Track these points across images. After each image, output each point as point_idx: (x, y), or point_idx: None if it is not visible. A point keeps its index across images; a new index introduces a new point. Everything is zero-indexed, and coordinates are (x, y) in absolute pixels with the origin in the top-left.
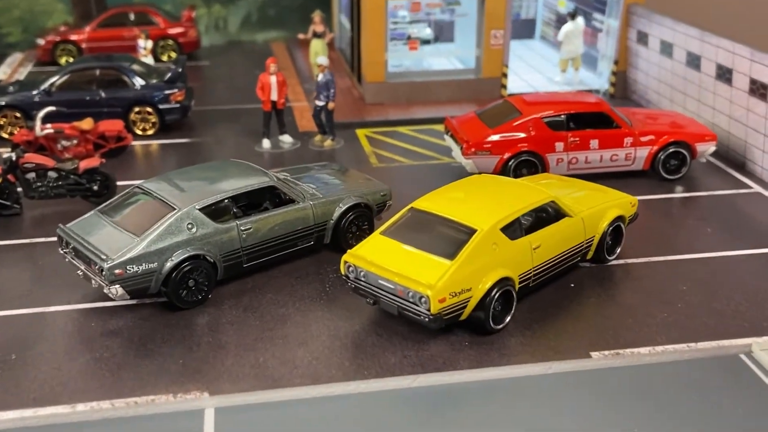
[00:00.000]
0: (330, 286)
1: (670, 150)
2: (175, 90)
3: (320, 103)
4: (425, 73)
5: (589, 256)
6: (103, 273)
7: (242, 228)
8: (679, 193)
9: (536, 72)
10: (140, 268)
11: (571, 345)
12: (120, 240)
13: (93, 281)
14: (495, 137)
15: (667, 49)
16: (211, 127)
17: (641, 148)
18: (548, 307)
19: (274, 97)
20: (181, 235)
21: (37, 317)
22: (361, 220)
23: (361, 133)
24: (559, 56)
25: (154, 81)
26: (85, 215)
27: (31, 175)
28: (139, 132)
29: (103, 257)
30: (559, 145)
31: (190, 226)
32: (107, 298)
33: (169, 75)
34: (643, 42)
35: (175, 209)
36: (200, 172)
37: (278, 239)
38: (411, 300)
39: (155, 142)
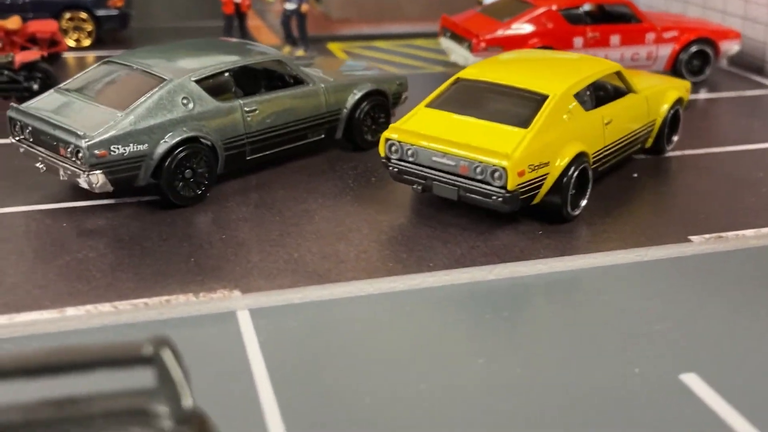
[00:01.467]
0: (353, 182)
1: (693, 49)
2: None
3: (291, 6)
4: None
5: (648, 144)
6: (80, 155)
7: (246, 109)
8: (704, 94)
9: None
10: (127, 149)
11: (661, 231)
12: (99, 115)
13: (62, 171)
14: (507, 31)
15: None
16: (156, 41)
17: (664, 45)
18: (619, 196)
19: None
20: (175, 111)
21: None
22: (378, 111)
23: (335, 47)
24: None
25: None
26: (42, 95)
27: None
28: (72, 43)
29: (80, 134)
30: (578, 41)
31: (185, 101)
32: (77, 197)
33: None
34: None
35: (165, 80)
36: (187, 47)
37: (287, 127)
38: (479, 177)
39: (92, 54)
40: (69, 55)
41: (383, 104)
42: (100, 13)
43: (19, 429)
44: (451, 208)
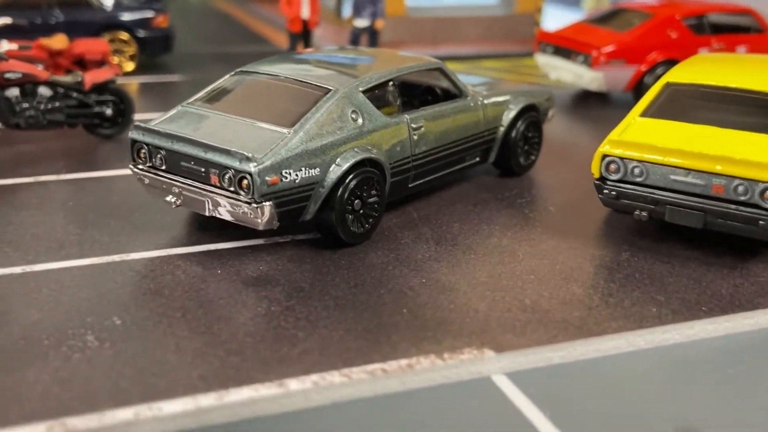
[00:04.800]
0: (530, 212)
1: None
2: (156, 12)
3: (363, 24)
4: (452, 8)
5: None
6: (245, 183)
7: (413, 125)
8: None
9: (567, 15)
10: (299, 174)
11: None
12: (259, 134)
13: (208, 205)
14: (629, 42)
15: None
16: (204, 66)
17: None
18: None
19: (305, 14)
20: (346, 128)
21: (111, 266)
22: (533, 130)
23: None
24: None
25: (128, 1)
26: (169, 112)
27: (14, 92)
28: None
29: (248, 155)
30: (703, 52)
31: (354, 115)
32: (214, 239)
33: None
34: None
35: (331, 90)
36: (326, 56)
37: (449, 148)
38: (741, 198)
39: (135, 80)
40: None
41: (537, 122)
42: (143, 34)
43: None
44: (675, 239)
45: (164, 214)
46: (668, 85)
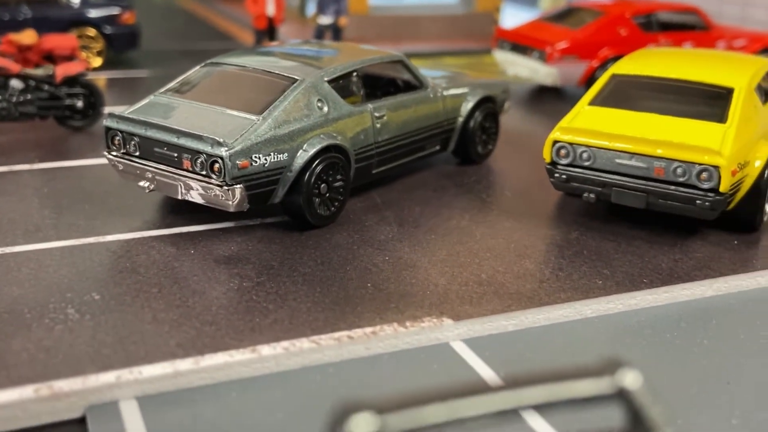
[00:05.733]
0: (488, 196)
1: None
2: (123, 9)
3: (327, 21)
4: (414, 6)
5: None
6: (217, 167)
7: (376, 114)
8: None
9: (524, 14)
10: (268, 159)
11: None
12: (229, 120)
13: (181, 188)
14: (581, 39)
15: None
16: (170, 62)
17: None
18: None
19: (270, 11)
20: (312, 115)
21: (88, 247)
22: (490, 121)
23: None
24: None
25: None
26: (142, 101)
27: None
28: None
29: (219, 140)
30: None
31: (320, 103)
32: (187, 222)
33: None
34: None
35: (297, 79)
36: (294, 49)
37: (410, 136)
38: (680, 179)
39: (102, 76)
40: None
41: (494, 113)
42: (110, 30)
43: None
44: (621, 219)
45: (137, 200)
46: (614, 76)
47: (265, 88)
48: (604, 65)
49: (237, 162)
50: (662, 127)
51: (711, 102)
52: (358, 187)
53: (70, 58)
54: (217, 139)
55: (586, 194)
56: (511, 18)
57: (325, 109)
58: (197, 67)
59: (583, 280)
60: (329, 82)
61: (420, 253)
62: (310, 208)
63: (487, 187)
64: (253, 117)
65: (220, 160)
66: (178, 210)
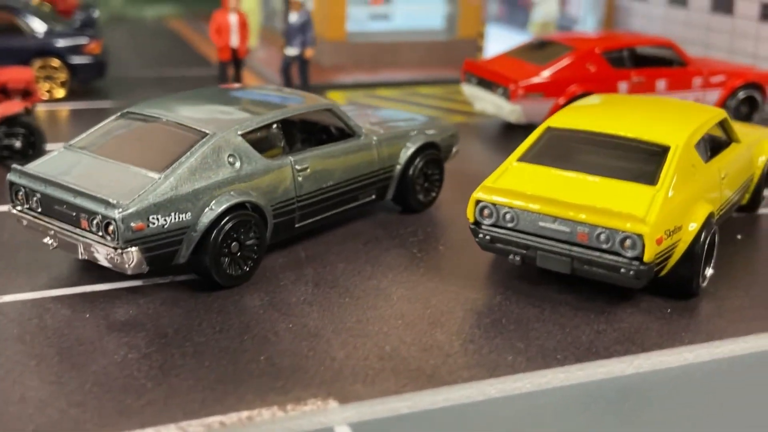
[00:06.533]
0: (419, 251)
1: (741, 95)
2: (89, 39)
3: (293, 52)
4: (393, 33)
5: (744, 201)
6: (111, 228)
7: (297, 167)
8: None
9: (513, 37)
10: (168, 219)
11: None
12: (130, 179)
13: (80, 248)
14: (547, 76)
15: None
16: (139, 92)
17: (711, 90)
18: (734, 262)
19: (234, 42)
20: (221, 172)
21: None
22: (432, 168)
23: (336, 95)
24: (532, 19)
25: (60, 28)
26: (49, 154)
27: None
28: (43, 96)
29: (112, 202)
30: (623, 86)
31: (231, 159)
32: (95, 279)
33: (80, 20)
34: None
35: (208, 134)
36: (216, 96)
37: (338, 188)
38: (603, 246)
39: (65, 107)
40: (40, 108)
41: (437, 159)
42: (75, 60)
43: None
44: (551, 282)
45: (50, 253)
46: (549, 129)
47: (174, 142)
48: (571, 102)
49: (131, 224)
50: (590, 188)
51: (645, 160)
52: (284, 240)
53: (25, 92)
54: (109, 200)
55: (511, 256)
56: (498, 43)
57: (237, 164)
58: (114, 117)
59: (493, 355)
60: (244, 135)
61: (327, 320)
62: (217, 269)
63: (422, 240)
64: (155, 175)
65: (113, 222)
66: (90, 266)
